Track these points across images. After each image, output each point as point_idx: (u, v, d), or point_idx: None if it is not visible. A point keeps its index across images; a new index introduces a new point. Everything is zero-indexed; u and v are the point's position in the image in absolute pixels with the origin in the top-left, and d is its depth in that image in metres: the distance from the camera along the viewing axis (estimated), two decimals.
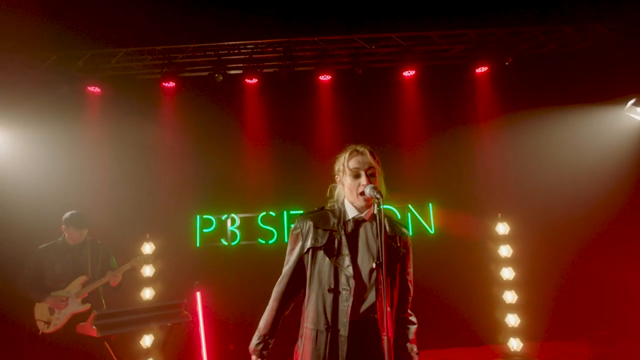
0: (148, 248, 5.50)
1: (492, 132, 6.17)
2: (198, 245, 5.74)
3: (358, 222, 1.98)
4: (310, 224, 2.01)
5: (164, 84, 6.18)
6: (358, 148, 2.03)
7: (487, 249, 5.62)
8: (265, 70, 6.43)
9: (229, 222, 5.84)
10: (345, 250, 1.91)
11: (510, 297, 5.37)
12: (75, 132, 5.77)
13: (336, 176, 2.11)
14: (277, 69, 6.29)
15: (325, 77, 6.37)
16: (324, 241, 1.94)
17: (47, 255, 3.81)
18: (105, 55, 6.21)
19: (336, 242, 1.94)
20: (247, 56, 6.35)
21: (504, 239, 5.48)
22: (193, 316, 3.75)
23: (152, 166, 6.03)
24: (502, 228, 5.51)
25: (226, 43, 6.28)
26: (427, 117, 6.30)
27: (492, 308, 5.53)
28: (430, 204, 5.93)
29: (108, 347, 3.19)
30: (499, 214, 5.52)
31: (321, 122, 6.39)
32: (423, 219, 5.88)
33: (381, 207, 1.76)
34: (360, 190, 1.94)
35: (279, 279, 2.07)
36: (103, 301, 4.08)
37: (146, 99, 6.22)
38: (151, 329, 3.60)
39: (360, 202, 1.97)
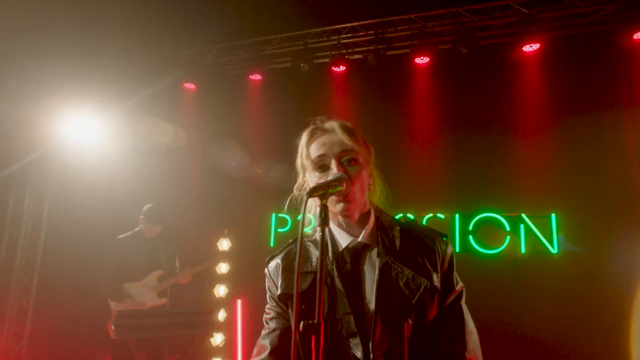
0: (225, 244, 5.39)
1: None
2: (272, 245, 5.44)
3: (357, 252, 1.23)
4: (276, 265, 1.34)
5: (251, 77, 6.08)
6: (321, 124, 1.29)
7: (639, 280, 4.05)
8: (354, 57, 5.83)
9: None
10: (342, 308, 1.16)
11: None
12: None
13: (303, 179, 1.38)
14: (365, 54, 5.62)
15: (422, 60, 5.45)
16: (301, 288, 1.22)
17: (126, 245, 3.89)
18: (200, 53, 6.38)
19: (325, 294, 1.19)
20: (336, 42, 5.82)
21: None
22: (231, 326, 3.40)
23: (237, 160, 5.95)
24: None
25: (314, 30, 5.87)
26: (555, 102, 4.89)
27: None
28: (553, 214, 4.53)
29: (132, 346, 3.01)
30: None
31: (416, 111, 5.50)
32: (542, 234, 4.52)
33: (323, 213, 1.04)
34: None
35: None
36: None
37: (235, 94, 6.19)
38: (174, 336, 3.42)
39: (343, 213, 1.24)
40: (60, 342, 5.22)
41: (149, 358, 3.66)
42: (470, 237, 4.68)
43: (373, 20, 5.58)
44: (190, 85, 6.31)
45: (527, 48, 5.02)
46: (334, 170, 1.19)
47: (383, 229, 1.26)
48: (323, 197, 1.08)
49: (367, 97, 5.71)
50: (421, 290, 1.15)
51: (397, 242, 1.22)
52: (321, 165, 1.23)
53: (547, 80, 5.00)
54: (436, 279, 1.19)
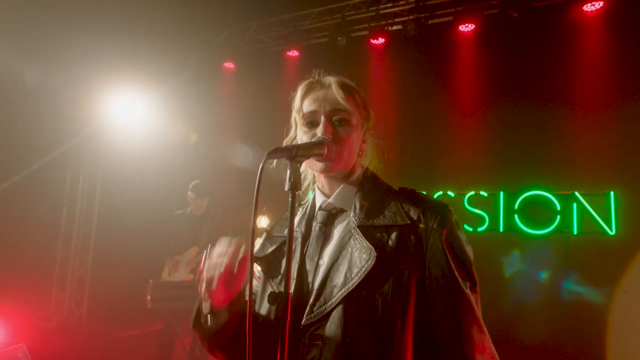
0: (264, 221, 5.47)
1: None
2: None
3: (331, 216, 1.12)
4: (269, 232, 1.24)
5: (288, 53, 6.00)
6: (320, 78, 1.16)
7: None
8: (394, 28, 5.56)
9: None
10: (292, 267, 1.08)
11: None
12: (207, 108, 6.14)
13: (294, 133, 1.23)
14: (406, 24, 5.33)
15: (467, 27, 5.08)
16: (268, 251, 1.15)
17: (177, 220, 4.15)
18: (239, 32, 6.37)
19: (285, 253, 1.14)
20: (374, 13, 5.57)
21: None
22: None
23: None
24: None
25: (352, 2, 5.65)
26: (621, 68, 4.38)
27: None
28: (611, 193, 4.12)
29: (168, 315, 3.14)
30: None
31: (461, 82, 5.19)
32: (598, 214, 4.13)
33: (292, 176, 0.97)
34: None
35: None
36: None
37: (273, 71, 6.15)
38: None
39: (323, 173, 1.12)
40: (116, 307, 5.62)
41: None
42: (516, 216, 4.38)
43: None
44: (229, 65, 6.35)
45: (587, 7, 4.52)
46: (320, 129, 1.08)
47: (365, 193, 1.11)
48: (292, 159, 0.97)
49: (408, 70, 5.45)
50: (368, 263, 0.97)
51: (373, 209, 1.07)
52: (311, 121, 1.11)
53: (612, 44, 4.48)
54: (405, 257, 1.00)
